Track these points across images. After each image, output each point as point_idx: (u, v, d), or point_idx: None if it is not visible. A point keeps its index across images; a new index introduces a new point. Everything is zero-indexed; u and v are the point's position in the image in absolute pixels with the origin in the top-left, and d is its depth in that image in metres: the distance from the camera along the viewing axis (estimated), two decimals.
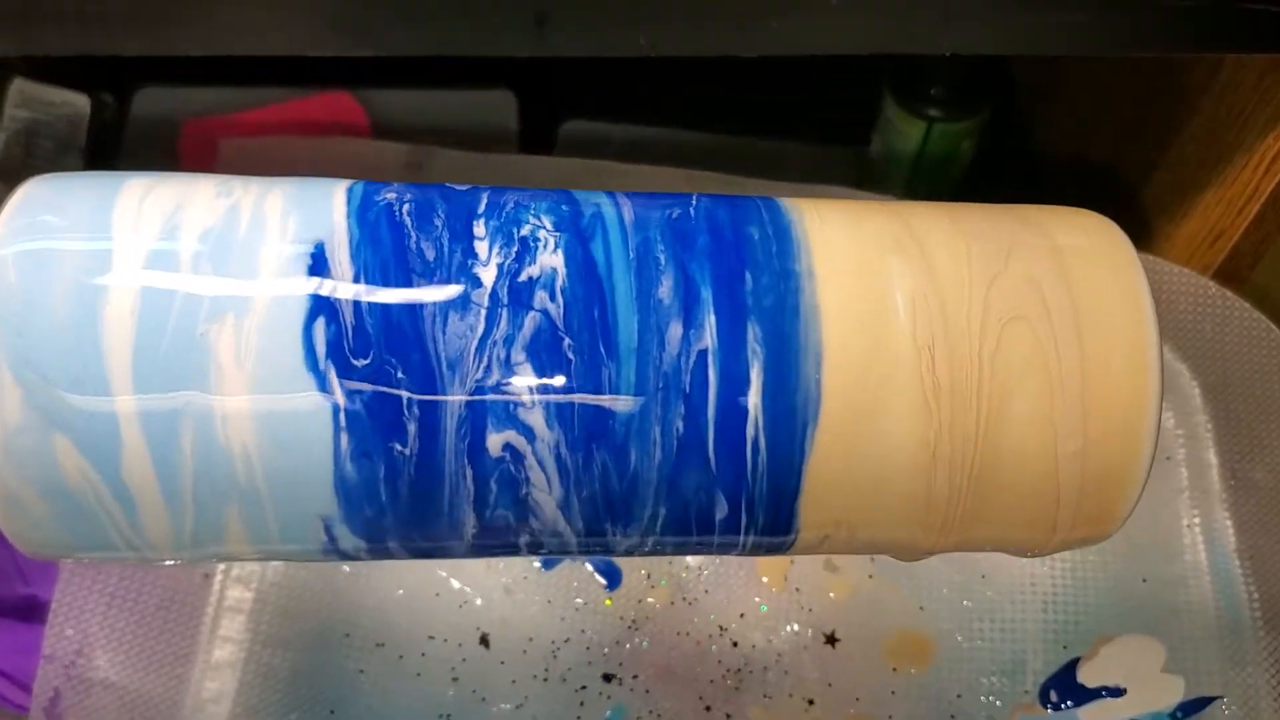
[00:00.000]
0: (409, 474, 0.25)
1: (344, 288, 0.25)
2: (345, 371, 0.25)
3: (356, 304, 0.25)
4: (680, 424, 0.26)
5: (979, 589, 0.46)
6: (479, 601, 0.45)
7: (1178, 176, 0.49)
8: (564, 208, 0.27)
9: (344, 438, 0.25)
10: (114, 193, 0.26)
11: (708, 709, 0.44)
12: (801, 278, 0.27)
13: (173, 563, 0.30)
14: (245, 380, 0.25)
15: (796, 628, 0.45)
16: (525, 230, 0.27)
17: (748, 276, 0.26)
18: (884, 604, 0.46)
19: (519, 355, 0.25)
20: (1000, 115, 0.57)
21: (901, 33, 0.37)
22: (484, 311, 0.25)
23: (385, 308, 0.25)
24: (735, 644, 0.45)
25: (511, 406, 0.25)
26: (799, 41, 0.36)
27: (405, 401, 0.25)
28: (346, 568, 0.45)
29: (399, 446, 0.25)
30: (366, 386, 0.25)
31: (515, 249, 0.26)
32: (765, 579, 0.46)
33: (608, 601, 0.45)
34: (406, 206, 0.27)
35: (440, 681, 0.44)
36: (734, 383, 0.26)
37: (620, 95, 0.59)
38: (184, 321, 0.25)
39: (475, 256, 0.26)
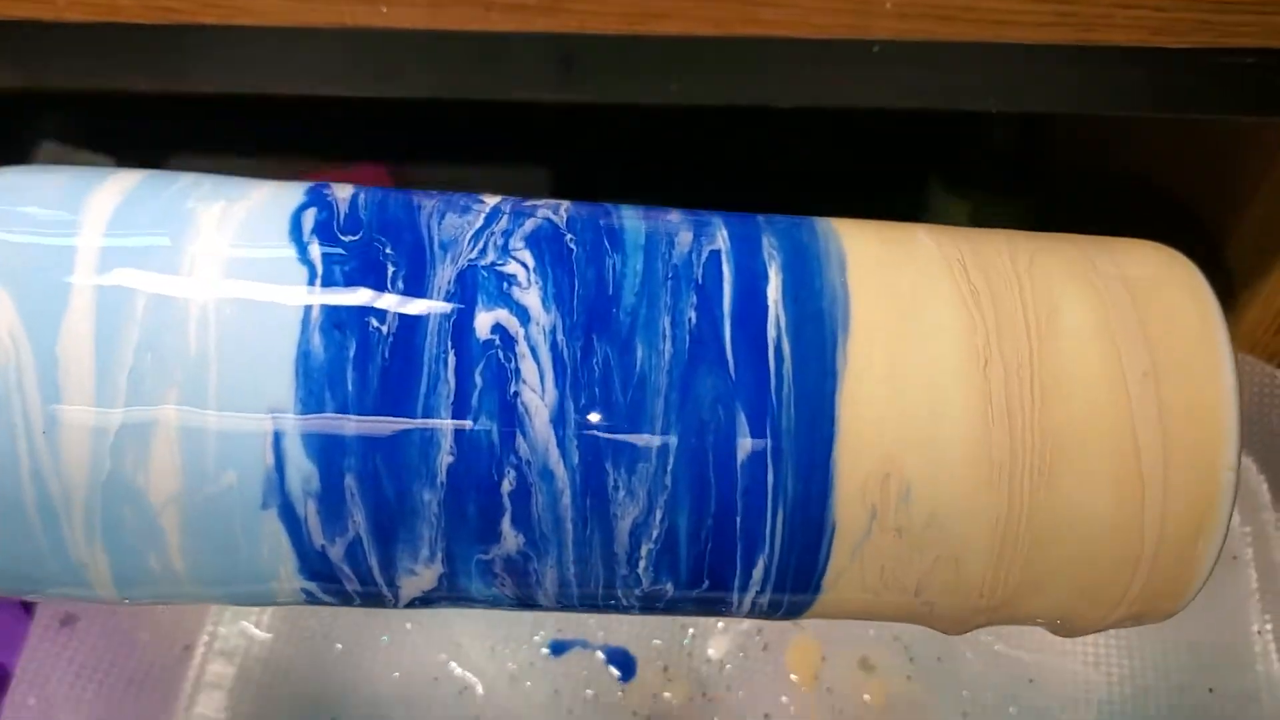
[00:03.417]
0: (382, 356, 0.22)
1: (342, 192, 0.24)
2: (330, 243, 0.23)
3: (353, 199, 0.24)
4: (693, 314, 0.23)
5: (1027, 696, 0.42)
6: (480, 690, 0.42)
7: (1237, 263, 0.47)
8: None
9: (316, 305, 0.22)
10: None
11: None
12: (815, 220, 0.25)
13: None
14: (221, 245, 0.23)
15: None
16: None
17: (759, 219, 0.25)
18: (923, 710, 0.42)
19: (518, 243, 0.24)
20: (1045, 201, 0.55)
21: (946, 87, 0.35)
22: (484, 213, 0.24)
23: (381, 201, 0.24)
24: None
25: (505, 284, 0.23)
26: (838, 93, 0.35)
27: (390, 275, 0.23)
28: (339, 645, 0.42)
29: (375, 321, 0.22)
30: (349, 255, 0.23)
31: (518, 201, 0.26)
32: (794, 676, 0.42)
33: (620, 694, 0.42)
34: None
35: None
36: (750, 276, 0.23)
37: (657, 185, 0.58)
38: (174, 199, 0.24)
39: (479, 200, 0.25)
